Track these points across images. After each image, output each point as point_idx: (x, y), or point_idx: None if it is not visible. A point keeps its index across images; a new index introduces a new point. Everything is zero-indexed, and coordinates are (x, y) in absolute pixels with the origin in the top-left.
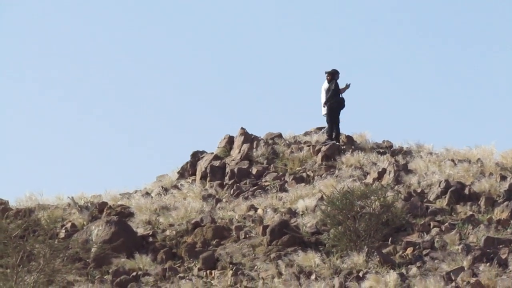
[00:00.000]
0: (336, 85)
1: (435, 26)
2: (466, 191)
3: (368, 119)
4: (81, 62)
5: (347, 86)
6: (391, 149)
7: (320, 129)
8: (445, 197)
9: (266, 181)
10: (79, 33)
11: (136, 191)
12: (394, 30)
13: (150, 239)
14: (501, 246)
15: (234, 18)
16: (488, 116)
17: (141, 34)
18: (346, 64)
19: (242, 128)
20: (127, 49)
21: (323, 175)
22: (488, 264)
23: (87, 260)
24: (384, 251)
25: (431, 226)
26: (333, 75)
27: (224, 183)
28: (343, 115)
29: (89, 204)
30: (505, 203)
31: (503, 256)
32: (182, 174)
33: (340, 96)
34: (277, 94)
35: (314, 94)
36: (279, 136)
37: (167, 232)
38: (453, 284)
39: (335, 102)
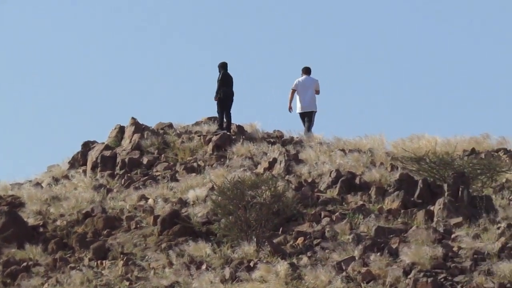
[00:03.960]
0: (224, 75)
1: None
2: (357, 180)
3: (259, 109)
4: None
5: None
6: (282, 139)
7: (210, 119)
8: (335, 186)
9: (157, 171)
10: None
11: (26, 182)
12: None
13: (41, 229)
14: (391, 235)
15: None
16: (379, 106)
17: None
18: (240, 50)
19: (132, 118)
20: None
21: (214, 165)
22: (378, 253)
23: None
24: (275, 241)
25: (322, 216)
26: (220, 68)
27: (115, 173)
28: (234, 105)
29: None
30: (395, 193)
31: (394, 246)
32: (73, 164)
33: (228, 88)
34: (169, 85)
35: (205, 85)
36: (170, 126)
37: (58, 223)
38: (344, 273)
39: (222, 92)
